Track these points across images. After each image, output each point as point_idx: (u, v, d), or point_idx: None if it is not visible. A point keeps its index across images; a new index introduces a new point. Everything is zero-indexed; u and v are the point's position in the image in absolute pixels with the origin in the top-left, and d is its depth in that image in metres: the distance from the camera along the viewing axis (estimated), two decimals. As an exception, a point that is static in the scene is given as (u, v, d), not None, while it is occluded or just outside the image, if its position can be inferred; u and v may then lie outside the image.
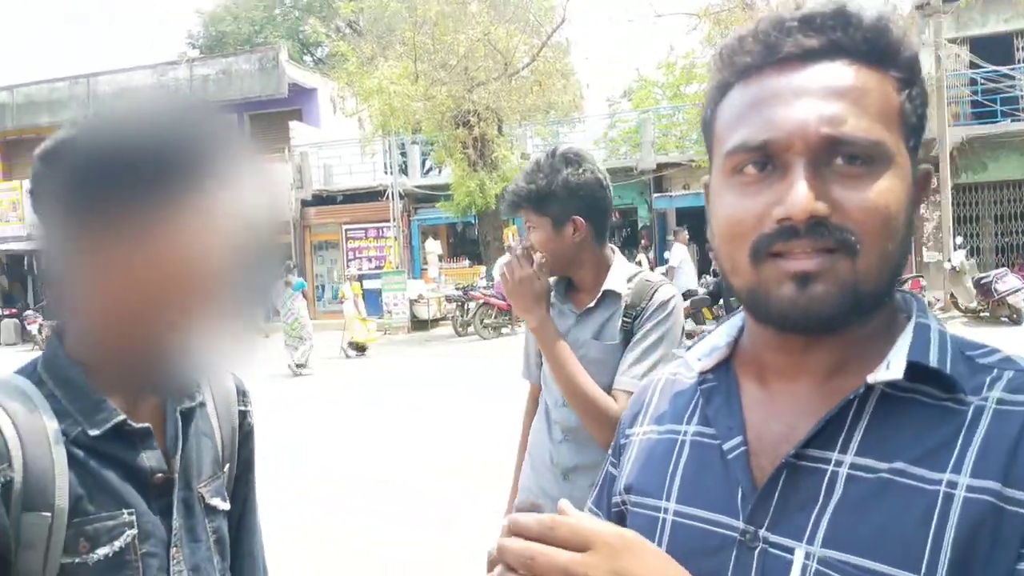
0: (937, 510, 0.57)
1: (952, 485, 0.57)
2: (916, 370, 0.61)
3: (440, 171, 17.71)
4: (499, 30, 14.38)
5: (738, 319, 0.76)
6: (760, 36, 0.65)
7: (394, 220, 17.58)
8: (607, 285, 1.83)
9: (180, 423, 0.96)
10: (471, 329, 13.76)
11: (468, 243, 19.12)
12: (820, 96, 0.62)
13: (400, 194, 17.43)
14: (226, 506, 1.03)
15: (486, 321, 13.64)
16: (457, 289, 14.92)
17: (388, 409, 7.97)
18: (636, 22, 15.59)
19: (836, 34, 0.63)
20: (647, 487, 0.74)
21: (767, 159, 0.63)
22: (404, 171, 18.52)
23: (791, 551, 0.61)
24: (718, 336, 0.76)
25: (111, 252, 0.84)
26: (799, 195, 0.60)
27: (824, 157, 0.61)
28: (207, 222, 0.86)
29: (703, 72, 15.13)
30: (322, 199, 18.91)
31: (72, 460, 0.85)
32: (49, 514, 0.82)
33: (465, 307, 14.21)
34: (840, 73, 0.63)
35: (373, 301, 15.20)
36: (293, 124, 19.72)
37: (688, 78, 16.36)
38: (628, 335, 1.77)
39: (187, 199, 0.85)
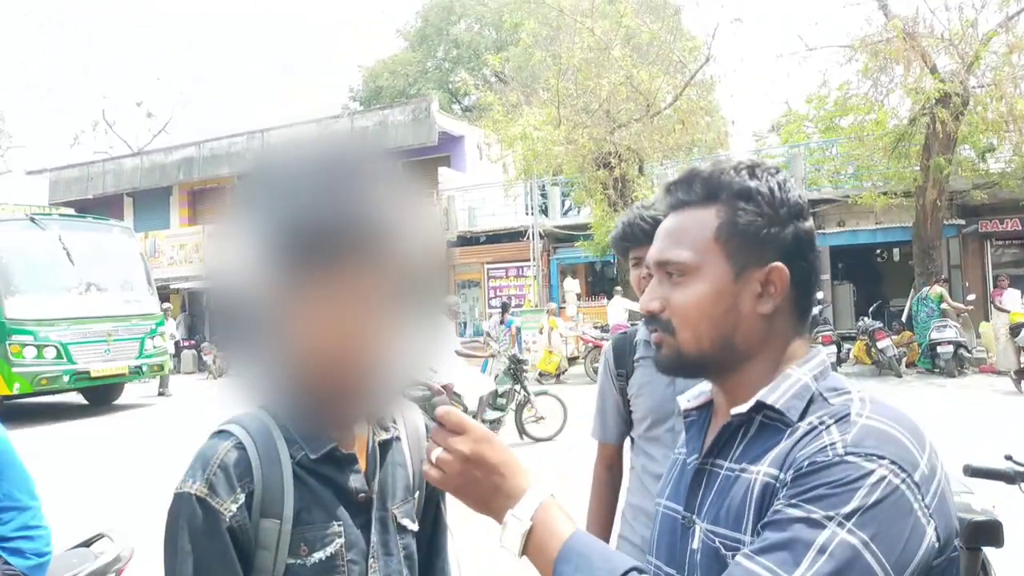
0: (750, 488, 0.88)
1: (758, 473, 0.88)
2: (767, 405, 0.92)
3: (579, 211, 17.84)
4: (642, 73, 14.40)
5: None
6: (664, 193, 1.03)
7: (534, 259, 17.85)
8: None
9: (378, 453, 1.11)
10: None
11: (606, 282, 19.02)
12: (661, 236, 1.00)
13: (540, 234, 17.71)
14: (415, 527, 1.15)
15: (595, 365, 13.42)
16: (595, 327, 14.85)
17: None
18: (785, 57, 14.97)
19: (679, 194, 1.00)
20: (660, 491, 1.09)
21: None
22: (544, 212, 18.82)
23: (696, 526, 0.95)
24: (706, 383, 1.05)
25: (315, 301, 0.96)
26: (642, 299, 1.01)
27: (664, 272, 0.98)
28: (393, 268, 0.98)
29: (859, 104, 14.33)
30: (466, 239, 19.58)
31: (296, 478, 1.02)
32: (279, 521, 0.99)
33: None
34: (672, 220, 1.00)
35: (513, 339, 15.43)
36: (442, 170, 20.68)
37: (843, 110, 15.53)
38: None
39: (377, 248, 0.96)
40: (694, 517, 0.96)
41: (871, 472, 0.79)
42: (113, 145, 32.91)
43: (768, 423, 0.92)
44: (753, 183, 0.95)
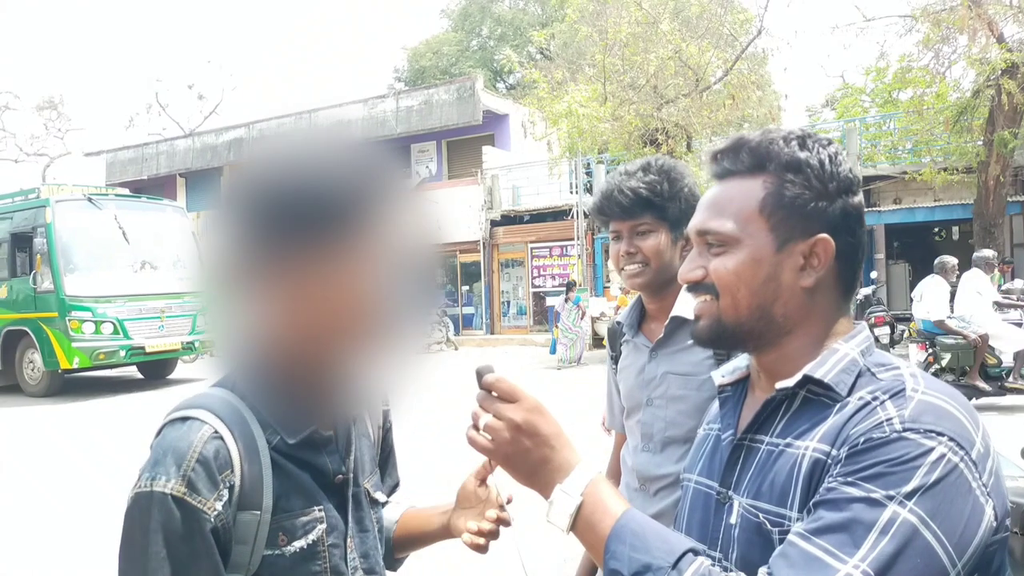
0: (797, 463, 0.86)
1: (807, 449, 0.86)
2: (814, 380, 0.89)
3: (626, 190, 17.58)
4: (691, 47, 14.06)
5: None
6: (710, 161, 1.00)
7: (578, 239, 17.72)
8: (676, 311, 1.67)
9: (351, 429, 1.06)
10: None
11: (653, 263, 18.79)
12: (704, 206, 0.98)
13: (585, 213, 17.55)
14: (385, 499, 1.12)
15: None
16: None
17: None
18: (841, 28, 14.41)
19: (725, 163, 0.98)
20: (689, 466, 1.08)
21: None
22: (589, 190, 18.63)
23: (734, 501, 0.93)
24: (741, 359, 1.05)
25: (292, 282, 0.91)
26: (682, 269, 1.00)
27: (704, 242, 0.97)
28: (374, 252, 0.92)
29: (920, 76, 13.74)
30: (510, 219, 19.53)
31: (273, 464, 0.95)
32: (258, 512, 0.92)
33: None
34: (717, 190, 0.98)
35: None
36: (486, 149, 20.62)
37: (902, 83, 14.92)
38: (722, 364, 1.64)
39: (357, 232, 0.91)
40: (730, 492, 0.94)
41: (931, 450, 0.76)
42: (166, 127, 33.71)
43: (813, 398, 0.90)
44: (803, 154, 0.92)
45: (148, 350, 12.18)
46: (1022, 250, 14.98)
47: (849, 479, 0.78)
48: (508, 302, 20.48)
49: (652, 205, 1.67)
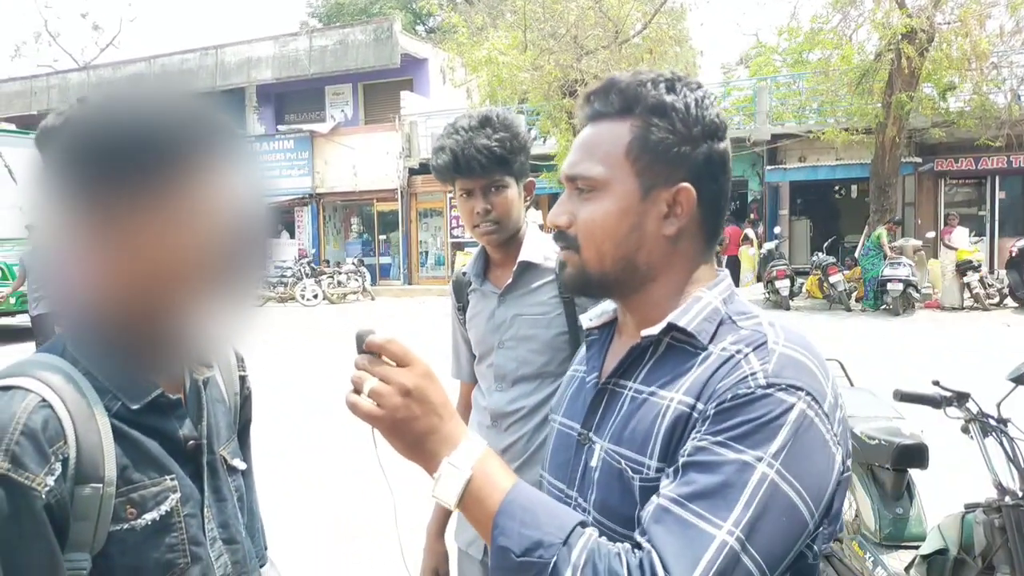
0: (661, 414, 0.87)
1: (671, 400, 0.87)
2: (678, 328, 0.91)
3: (544, 141, 17.62)
4: (611, -3, 14.03)
5: None
6: (583, 102, 1.00)
7: (498, 189, 17.69)
8: (523, 256, 1.77)
9: (202, 391, 1.02)
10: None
11: (571, 214, 19.02)
12: (575, 149, 0.98)
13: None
14: (243, 465, 1.10)
15: None
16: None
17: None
18: (757, -14, 14.83)
19: (597, 104, 0.97)
20: (555, 406, 1.10)
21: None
22: (509, 140, 18.52)
23: (596, 444, 0.95)
24: (609, 303, 1.06)
25: (114, 231, 0.87)
26: (550, 213, 0.99)
27: (574, 187, 0.96)
28: (204, 201, 0.89)
29: (830, 37, 14.20)
30: (428, 167, 19.25)
31: (116, 433, 0.88)
32: (100, 485, 0.86)
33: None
34: (588, 132, 0.97)
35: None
36: (404, 94, 20.13)
37: (812, 44, 15.40)
38: (569, 304, 1.72)
39: (183, 181, 0.88)
40: (591, 434, 0.96)
41: (792, 407, 0.80)
42: (58, 59, 31.25)
43: (676, 345, 0.92)
44: (670, 98, 0.92)
45: (41, 297, 11.51)
46: (912, 209, 15.95)
47: (719, 439, 0.80)
48: (426, 252, 20.35)
49: (505, 161, 1.71)
